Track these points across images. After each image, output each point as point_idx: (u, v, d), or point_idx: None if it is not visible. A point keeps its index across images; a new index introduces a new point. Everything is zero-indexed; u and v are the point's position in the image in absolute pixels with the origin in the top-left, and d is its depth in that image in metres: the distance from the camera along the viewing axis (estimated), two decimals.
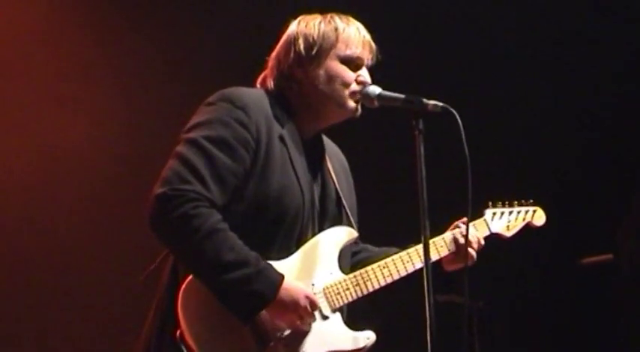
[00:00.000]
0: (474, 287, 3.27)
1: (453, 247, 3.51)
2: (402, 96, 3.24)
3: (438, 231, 3.52)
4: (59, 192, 5.46)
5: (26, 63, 5.45)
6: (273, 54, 3.42)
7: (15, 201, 5.40)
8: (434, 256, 3.42)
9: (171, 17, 5.67)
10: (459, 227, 3.55)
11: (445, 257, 3.52)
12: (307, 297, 3.13)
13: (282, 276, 3.09)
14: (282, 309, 3.09)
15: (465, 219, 3.49)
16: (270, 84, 3.37)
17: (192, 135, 3.15)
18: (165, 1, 5.70)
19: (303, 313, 3.13)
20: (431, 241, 3.32)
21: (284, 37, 3.41)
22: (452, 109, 3.15)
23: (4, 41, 5.42)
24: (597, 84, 6.08)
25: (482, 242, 3.60)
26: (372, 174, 5.21)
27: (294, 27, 3.40)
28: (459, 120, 3.12)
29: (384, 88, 3.34)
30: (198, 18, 5.70)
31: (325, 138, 3.50)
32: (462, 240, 3.48)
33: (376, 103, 3.32)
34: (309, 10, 3.45)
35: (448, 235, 3.53)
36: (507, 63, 6.05)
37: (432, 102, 3.17)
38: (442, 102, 3.18)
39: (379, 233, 3.59)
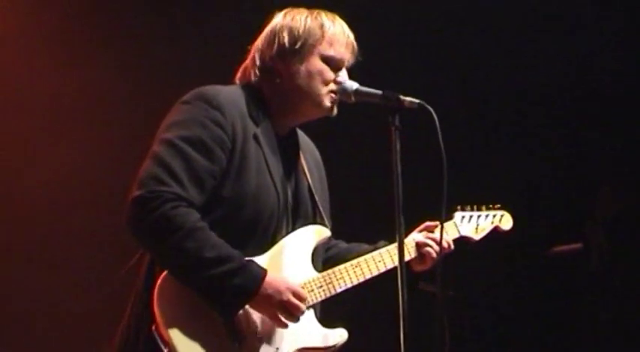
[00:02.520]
0: (445, 277, 3.33)
1: (414, 253, 3.53)
2: (379, 92, 3.25)
3: (411, 228, 3.54)
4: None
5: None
6: (256, 44, 3.40)
7: None
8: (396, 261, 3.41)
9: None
10: (427, 230, 3.58)
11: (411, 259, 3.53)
12: (289, 289, 3.14)
13: (265, 270, 3.12)
14: (266, 303, 3.11)
15: (430, 224, 3.55)
16: (250, 75, 3.37)
17: (168, 135, 3.15)
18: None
19: (287, 306, 3.13)
20: (393, 245, 3.40)
21: (267, 28, 3.39)
22: (428, 106, 3.17)
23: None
24: (567, 78, 6.15)
25: (452, 246, 3.62)
26: (347, 169, 5.25)
27: (279, 19, 3.38)
28: (435, 117, 3.14)
29: (361, 84, 3.35)
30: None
31: (300, 133, 3.52)
32: (426, 245, 3.51)
33: (353, 99, 3.33)
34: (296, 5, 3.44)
35: (410, 241, 3.51)
36: (481, 60, 6.10)
37: (408, 98, 3.19)
38: (419, 98, 3.20)
39: (351, 228, 3.61)
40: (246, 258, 3.12)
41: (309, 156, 3.52)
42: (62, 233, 5.52)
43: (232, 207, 3.16)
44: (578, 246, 6.15)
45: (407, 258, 3.42)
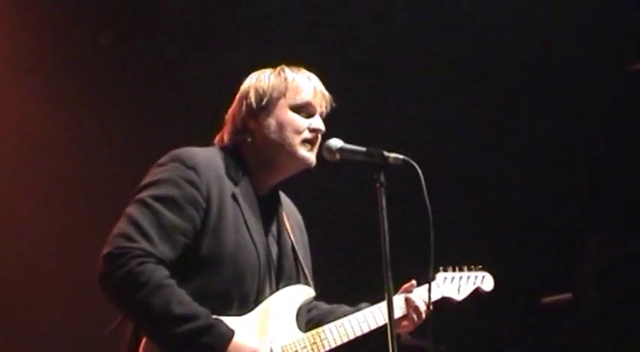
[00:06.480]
0: (434, 331, 3.30)
1: (405, 309, 3.51)
2: (363, 149, 3.26)
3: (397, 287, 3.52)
4: None
5: None
6: (229, 111, 3.48)
7: None
8: (380, 322, 3.44)
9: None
10: (407, 291, 3.56)
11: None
12: None
13: (232, 332, 3.10)
14: None
15: (408, 285, 3.53)
16: (226, 139, 3.42)
17: (140, 195, 3.19)
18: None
19: None
20: (376, 306, 3.42)
21: (238, 93, 3.47)
22: (412, 162, 3.17)
23: None
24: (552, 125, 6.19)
25: (431, 307, 3.55)
26: (331, 228, 5.23)
27: (246, 82, 3.47)
28: (420, 173, 3.14)
29: (344, 140, 3.34)
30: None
31: (282, 194, 3.53)
32: (415, 302, 3.52)
33: (338, 156, 3.33)
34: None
35: (399, 298, 3.52)
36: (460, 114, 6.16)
37: (392, 154, 3.19)
38: (404, 154, 3.20)
39: (334, 289, 3.59)
40: (215, 317, 3.11)
41: (292, 217, 3.53)
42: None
43: (211, 267, 3.17)
44: (567, 296, 6.13)
45: (397, 314, 3.41)
